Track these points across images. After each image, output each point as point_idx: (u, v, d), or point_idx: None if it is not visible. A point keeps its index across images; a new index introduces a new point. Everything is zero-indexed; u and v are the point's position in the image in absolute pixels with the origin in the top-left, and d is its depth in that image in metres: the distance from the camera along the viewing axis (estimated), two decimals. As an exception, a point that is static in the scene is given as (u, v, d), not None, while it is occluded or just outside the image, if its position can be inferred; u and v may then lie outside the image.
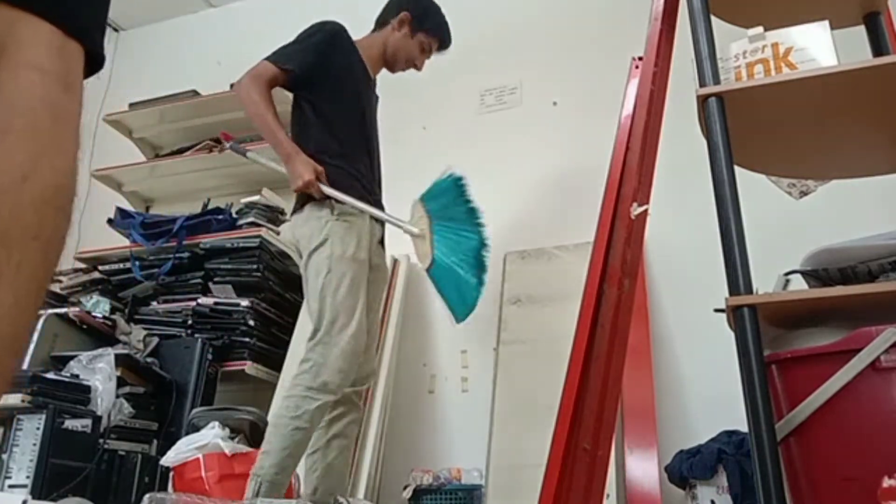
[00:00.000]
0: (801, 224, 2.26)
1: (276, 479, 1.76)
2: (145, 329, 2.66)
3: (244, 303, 2.70)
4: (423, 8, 2.25)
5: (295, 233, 2.02)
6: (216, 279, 2.83)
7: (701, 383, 2.44)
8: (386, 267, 2.24)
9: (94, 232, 3.51)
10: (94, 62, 0.67)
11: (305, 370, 1.82)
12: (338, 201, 1.95)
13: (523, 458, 2.31)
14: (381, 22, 2.28)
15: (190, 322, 2.71)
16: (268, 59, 2.08)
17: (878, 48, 1.64)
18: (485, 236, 2.00)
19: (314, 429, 1.84)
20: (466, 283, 1.93)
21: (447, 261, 1.94)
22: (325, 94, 2.07)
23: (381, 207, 2.12)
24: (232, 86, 3.29)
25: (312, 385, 1.80)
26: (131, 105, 3.50)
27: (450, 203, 2.01)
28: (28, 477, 1.89)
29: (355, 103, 2.12)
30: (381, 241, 2.14)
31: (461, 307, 1.96)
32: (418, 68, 2.29)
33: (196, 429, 1.99)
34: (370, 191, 2.08)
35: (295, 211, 2.05)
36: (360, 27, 2.37)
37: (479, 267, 1.95)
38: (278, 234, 2.99)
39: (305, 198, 2.00)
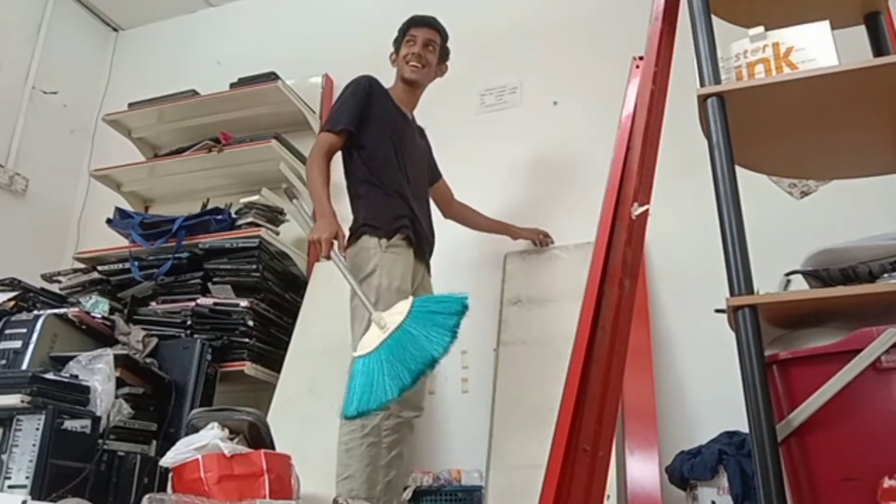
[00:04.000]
0: (801, 224, 2.25)
1: (370, 493, 1.91)
2: (144, 329, 2.65)
3: (243, 303, 2.69)
4: (395, 38, 2.51)
5: (351, 263, 2.15)
6: (215, 279, 2.82)
7: (701, 384, 2.43)
8: (432, 293, 2.35)
9: (92, 232, 3.53)
10: None
11: None
12: (385, 237, 2.14)
13: (523, 459, 2.31)
14: None
15: (189, 322, 2.71)
16: (322, 129, 2.32)
17: (879, 48, 1.64)
18: (438, 358, 1.75)
19: (382, 440, 1.99)
20: (385, 388, 1.70)
21: (384, 358, 1.75)
22: (365, 134, 2.28)
23: (426, 221, 2.35)
24: (231, 85, 3.34)
25: None
26: (130, 105, 3.50)
27: (436, 317, 1.80)
28: (27, 477, 1.88)
29: (391, 138, 2.30)
30: (427, 269, 2.35)
31: (356, 405, 1.72)
32: (413, 55, 2.41)
33: (195, 429, 1.98)
34: (412, 209, 2.26)
35: (349, 244, 2.20)
36: (360, 26, 2.37)
37: (413, 379, 1.71)
38: (278, 234, 2.99)
39: (361, 231, 2.18)
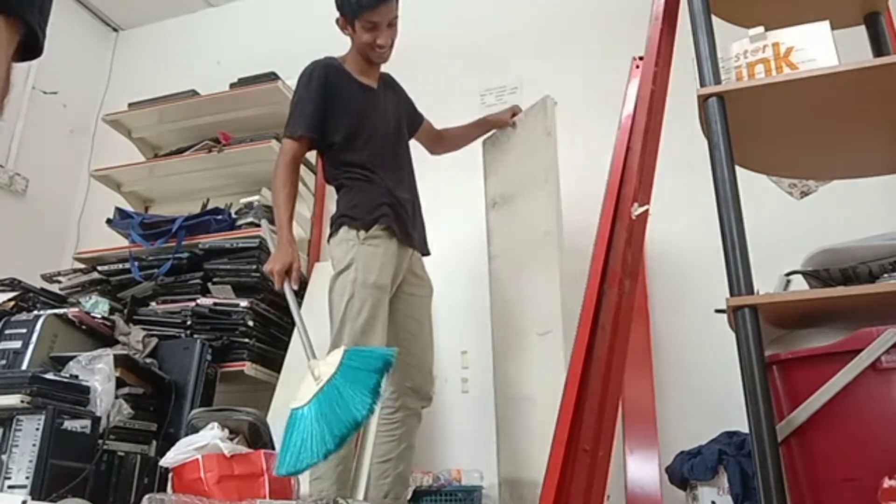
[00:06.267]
0: (801, 224, 2.26)
1: (340, 493, 1.87)
2: (144, 330, 2.65)
3: (243, 303, 2.69)
4: (341, 3, 2.20)
5: (331, 254, 2.11)
6: (215, 280, 2.82)
7: (701, 384, 2.43)
8: (429, 280, 2.27)
9: (93, 232, 3.52)
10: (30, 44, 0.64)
11: None
12: (363, 229, 2.03)
13: (519, 389, 2.27)
14: None
15: (189, 323, 2.71)
16: (284, 135, 2.16)
17: (879, 48, 1.64)
18: (365, 418, 1.62)
19: (352, 439, 1.91)
20: (312, 450, 1.57)
21: (315, 415, 1.62)
22: (331, 130, 2.16)
23: (410, 204, 2.20)
24: (231, 85, 3.34)
25: None
26: (130, 105, 3.49)
27: (359, 374, 1.68)
28: (27, 477, 1.88)
29: (358, 125, 2.18)
30: (419, 249, 2.22)
31: (290, 461, 1.59)
32: (381, 46, 2.19)
33: (195, 430, 1.99)
34: (392, 193, 2.14)
35: (331, 234, 2.13)
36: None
37: (337, 444, 1.57)
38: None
39: (340, 221, 2.08)
